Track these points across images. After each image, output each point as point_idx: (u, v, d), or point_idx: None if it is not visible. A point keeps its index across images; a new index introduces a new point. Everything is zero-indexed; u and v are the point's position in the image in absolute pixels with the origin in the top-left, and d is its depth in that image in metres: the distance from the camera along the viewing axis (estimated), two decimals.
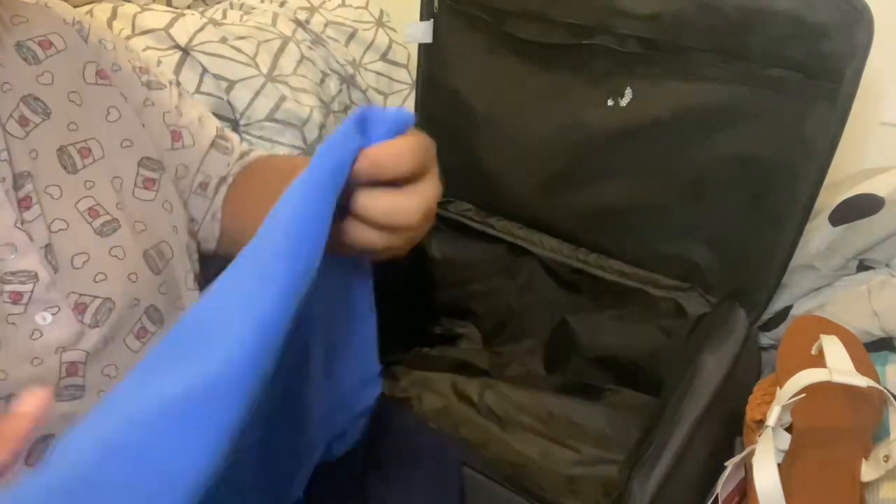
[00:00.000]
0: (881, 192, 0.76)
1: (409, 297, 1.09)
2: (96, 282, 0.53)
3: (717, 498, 0.62)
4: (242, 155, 0.71)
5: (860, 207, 0.76)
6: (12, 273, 0.49)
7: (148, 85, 0.64)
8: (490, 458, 0.64)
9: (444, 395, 0.94)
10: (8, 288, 0.48)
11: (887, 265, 0.78)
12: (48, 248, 0.51)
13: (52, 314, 0.50)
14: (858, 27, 0.63)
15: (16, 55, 0.53)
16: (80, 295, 0.52)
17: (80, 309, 0.52)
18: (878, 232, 0.75)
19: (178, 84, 0.67)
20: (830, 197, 0.79)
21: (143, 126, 0.61)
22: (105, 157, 0.57)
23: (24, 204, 0.50)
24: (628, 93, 0.78)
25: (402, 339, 1.04)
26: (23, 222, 0.50)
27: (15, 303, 0.49)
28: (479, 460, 0.64)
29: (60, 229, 0.52)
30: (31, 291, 0.49)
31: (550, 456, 0.85)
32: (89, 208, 0.54)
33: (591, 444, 0.86)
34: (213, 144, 0.68)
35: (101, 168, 0.57)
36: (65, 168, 0.54)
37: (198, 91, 0.87)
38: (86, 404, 0.52)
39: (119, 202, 0.57)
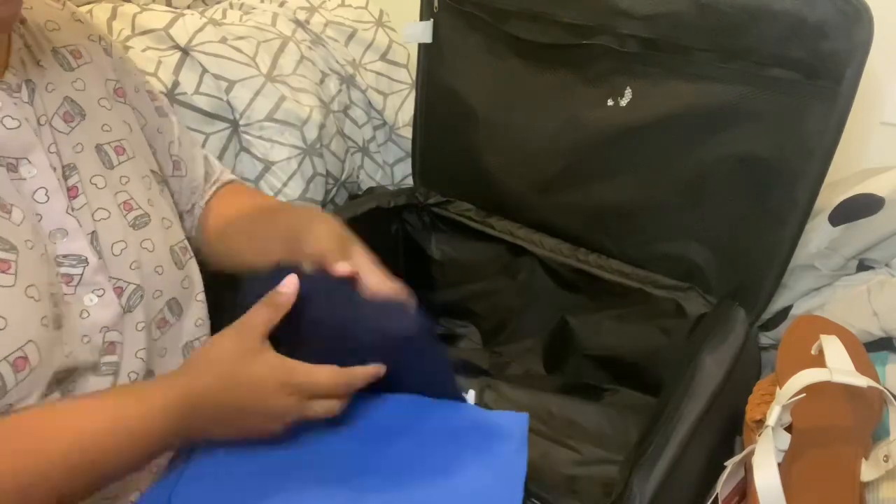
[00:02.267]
0: (881, 192, 0.76)
1: None
2: (132, 269, 0.57)
3: (716, 497, 0.62)
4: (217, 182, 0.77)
5: (860, 207, 0.76)
6: (64, 256, 0.53)
7: (158, 111, 0.69)
8: None
9: None
10: (61, 270, 0.53)
11: (887, 265, 0.78)
12: (94, 235, 0.55)
13: (98, 296, 0.54)
14: (858, 27, 0.63)
15: (53, 60, 0.58)
16: (118, 280, 0.56)
17: (118, 292, 0.56)
18: (878, 232, 0.75)
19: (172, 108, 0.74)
20: (830, 197, 0.79)
21: (151, 147, 0.67)
22: (136, 158, 0.62)
23: (71, 193, 0.55)
24: (628, 93, 0.78)
25: None
26: (72, 209, 0.54)
27: (67, 284, 0.53)
28: None
29: (102, 218, 0.57)
30: (81, 274, 0.53)
31: (550, 456, 0.85)
32: (124, 202, 0.59)
33: (591, 444, 0.86)
34: (204, 177, 0.74)
35: (133, 166, 0.61)
36: (103, 163, 0.59)
37: (197, 91, 0.87)
38: (120, 381, 0.56)
39: (149, 198, 0.62)
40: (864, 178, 0.80)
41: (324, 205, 1.01)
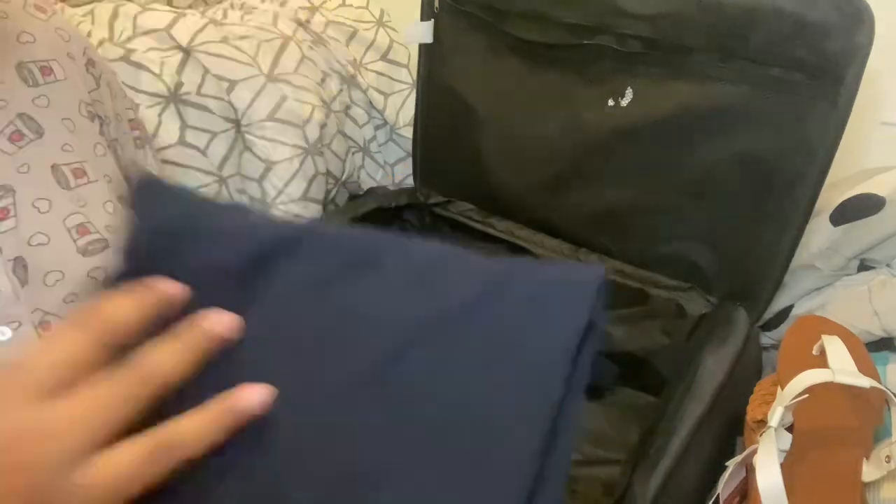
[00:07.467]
0: (882, 192, 0.76)
1: None
2: (66, 302, 0.52)
3: (717, 498, 0.62)
4: None
5: (861, 207, 0.76)
6: None
7: (135, 142, 0.66)
8: None
9: None
10: None
11: (888, 265, 0.78)
12: (17, 261, 0.50)
13: (13, 329, 0.49)
14: (859, 27, 0.63)
15: (15, 74, 0.54)
16: (45, 313, 0.51)
17: (44, 327, 0.50)
18: (878, 232, 0.75)
19: (151, 141, 0.70)
20: (831, 197, 0.79)
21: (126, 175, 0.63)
22: (98, 182, 0.58)
23: None
24: (629, 93, 0.78)
25: None
26: None
27: None
28: None
29: (40, 243, 0.52)
30: None
31: None
32: (79, 225, 0.54)
33: (591, 444, 0.86)
34: None
35: (94, 190, 0.57)
36: (59, 183, 0.54)
37: (198, 92, 0.87)
38: None
39: (108, 224, 0.57)
40: (865, 178, 0.80)
41: (324, 205, 1.01)
